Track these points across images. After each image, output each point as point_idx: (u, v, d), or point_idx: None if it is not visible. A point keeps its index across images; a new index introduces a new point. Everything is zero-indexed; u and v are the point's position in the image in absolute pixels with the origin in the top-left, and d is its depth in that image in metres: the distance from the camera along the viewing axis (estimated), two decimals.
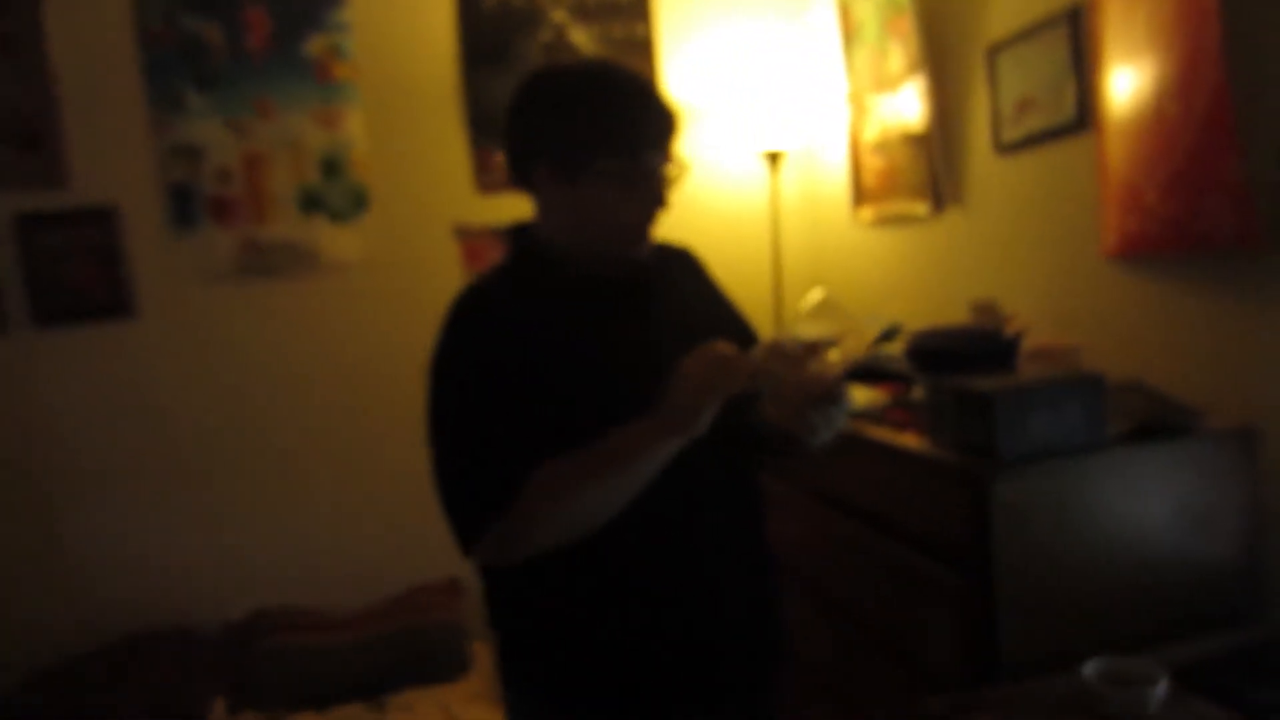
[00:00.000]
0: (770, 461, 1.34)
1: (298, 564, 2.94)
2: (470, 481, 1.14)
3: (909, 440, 1.67)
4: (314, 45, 2.87)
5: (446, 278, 3.01)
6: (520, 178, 1.26)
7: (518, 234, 1.30)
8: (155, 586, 2.83)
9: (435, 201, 3.01)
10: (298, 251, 2.91)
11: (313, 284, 2.94)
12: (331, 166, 2.91)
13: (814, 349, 1.12)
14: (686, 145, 1.28)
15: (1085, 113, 1.90)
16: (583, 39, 3.07)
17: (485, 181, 3.05)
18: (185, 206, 2.82)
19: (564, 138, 1.19)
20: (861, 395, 1.94)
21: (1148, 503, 1.45)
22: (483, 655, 2.72)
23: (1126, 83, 1.73)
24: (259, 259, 2.88)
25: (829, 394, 1.14)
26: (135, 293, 2.80)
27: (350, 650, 2.66)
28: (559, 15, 3.05)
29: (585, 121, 1.18)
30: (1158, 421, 1.50)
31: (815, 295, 1.22)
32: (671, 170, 1.22)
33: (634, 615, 1.19)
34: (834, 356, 1.14)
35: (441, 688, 2.60)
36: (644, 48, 3.10)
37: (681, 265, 1.39)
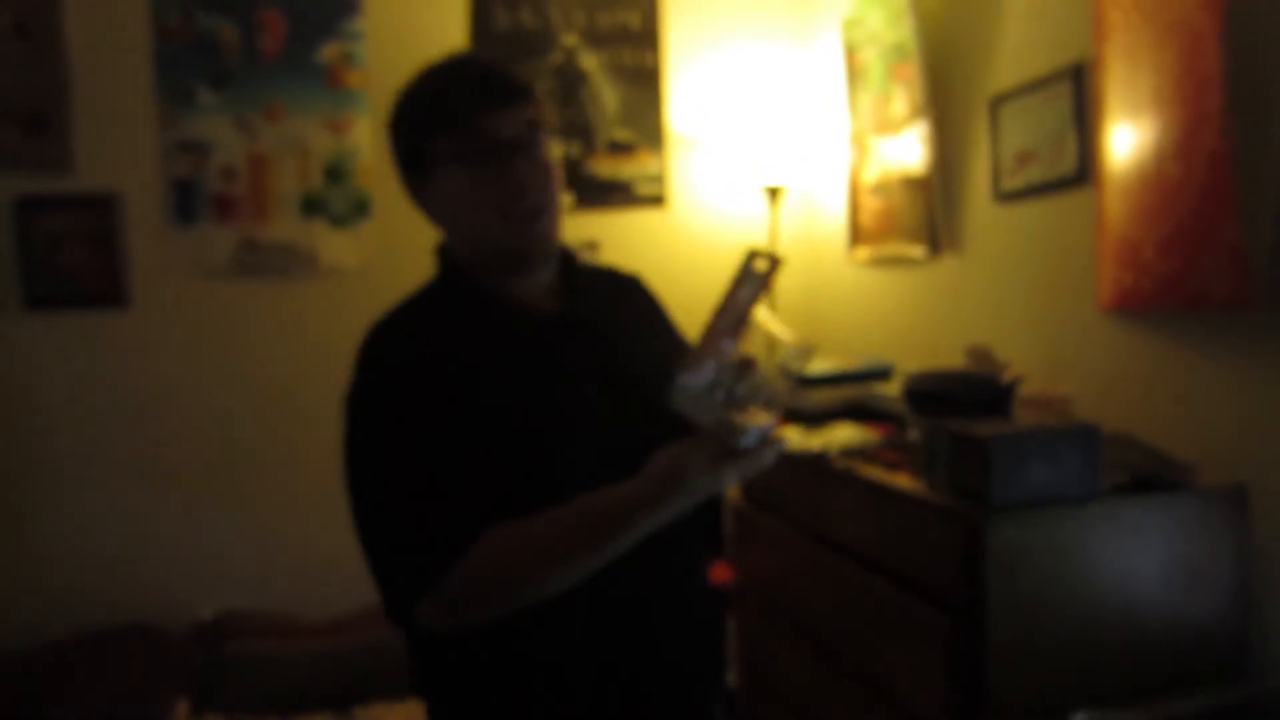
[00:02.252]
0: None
1: (271, 568, 2.91)
2: (405, 541, 1.02)
3: (901, 480, 1.68)
4: (327, 52, 2.89)
5: None
6: (413, 202, 1.17)
7: (439, 255, 1.19)
8: (124, 582, 2.80)
9: None
10: (296, 253, 2.91)
11: (308, 287, 2.94)
12: (336, 172, 2.92)
13: (749, 365, 0.94)
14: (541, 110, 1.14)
15: (1085, 167, 1.94)
16: (592, 64, 3.11)
17: None
18: (187, 201, 2.82)
19: (399, 135, 1.13)
20: (854, 433, 1.95)
21: (1139, 556, 1.47)
22: None
23: (1127, 140, 1.77)
24: (257, 258, 2.88)
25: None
26: (130, 283, 2.80)
27: (320, 658, 2.63)
28: (570, 39, 3.09)
29: (408, 109, 1.12)
30: (1151, 475, 1.52)
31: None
32: (528, 133, 1.08)
33: (577, 684, 1.08)
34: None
35: (410, 702, 2.57)
36: (652, 76, 3.14)
37: (625, 294, 1.29)
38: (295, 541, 2.93)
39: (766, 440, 0.94)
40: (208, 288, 2.86)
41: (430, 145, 1.09)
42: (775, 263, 0.93)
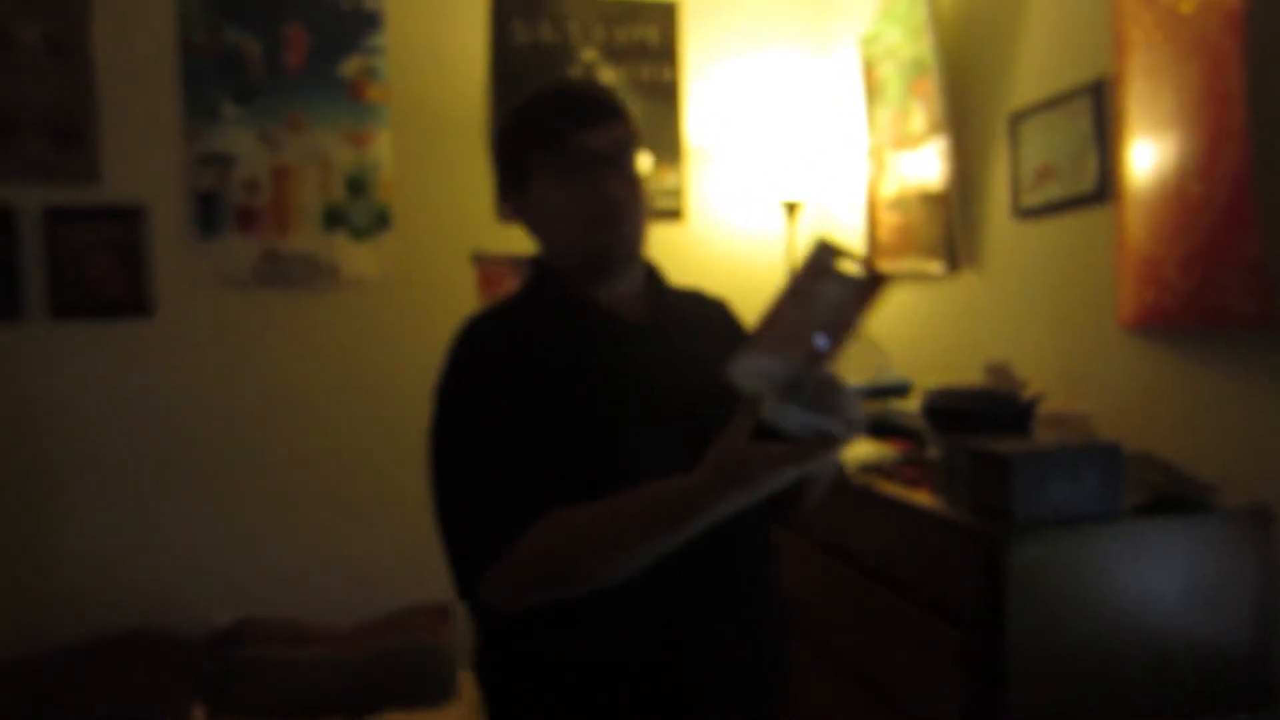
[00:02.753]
0: (788, 505, 1.28)
1: (288, 575, 2.92)
2: (475, 511, 1.09)
3: (921, 497, 1.68)
4: (349, 66, 2.92)
5: (461, 302, 3.04)
6: (509, 216, 1.26)
7: (534, 264, 1.29)
8: (142, 587, 2.81)
9: (456, 227, 3.04)
10: (317, 265, 2.93)
11: (329, 298, 2.96)
12: (357, 185, 2.95)
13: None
14: (633, 125, 1.21)
15: (1106, 184, 1.94)
16: (611, 78, 3.12)
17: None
18: (211, 212, 2.85)
19: (504, 153, 1.23)
20: (872, 449, 1.95)
21: (1160, 577, 1.46)
22: (467, 684, 2.70)
23: (1148, 157, 1.77)
24: (279, 269, 2.91)
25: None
26: (154, 292, 2.82)
27: (334, 666, 2.64)
28: (589, 54, 3.11)
29: (512, 128, 1.22)
30: (1173, 495, 1.51)
31: None
32: (620, 153, 1.17)
33: (638, 679, 1.12)
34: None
35: (423, 713, 2.58)
36: (670, 91, 3.15)
37: (709, 313, 1.36)
38: (313, 550, 2.95)
39: (825, 441, 0.91)
40: (230, 298, 2.89)
41: (528, 160, 1.18)
42: (878, 278, 0.90)
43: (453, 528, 1.12)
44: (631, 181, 1.19)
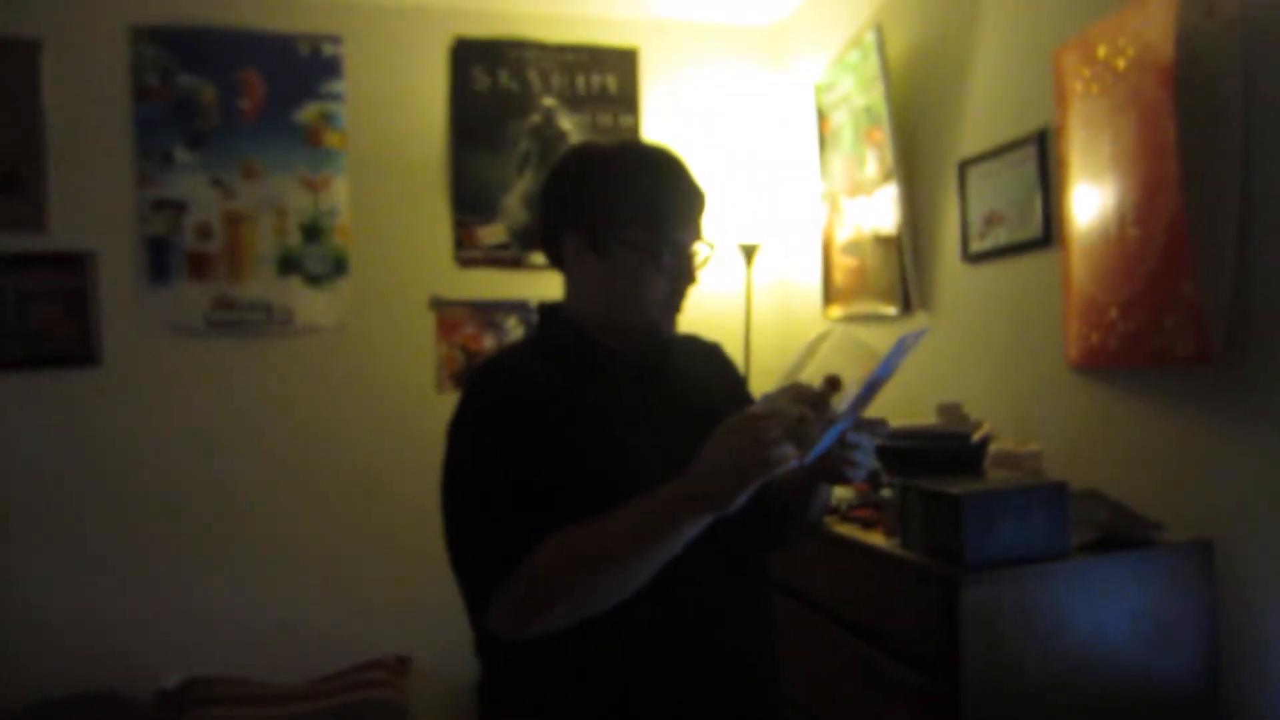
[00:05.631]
0: (784, 534, 1.33)
1: (240, 632, 2.85)
2: (481, 542, 1.11)
3: (875, 538, 1.69)
4: (307, 113, 2.93)
5: (420, 348, 3.03)
6: (551, 251, 1.28)
7: (546, 310, 1.31)
8: (89, 648, 2.72)
9: (414, 273, 3.04)
10: (272, 312, 2.91)
11: (285, 345, 2.93)
12: (313, 231, 2.94)
13: (834, 383, 1.07)
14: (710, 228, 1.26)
15: (1051, 230, 1.99)
16: (570, 125, 3.16)
17: (465, 257, 3.08)
18: (162, 259, 2.82)
19: (594, 209, 1.21)
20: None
21: (1109, 613, 1.48)
22: None
23: (1090, 205, 1.82)
24: (232, 317, 2.87)
25: (860, 422, 1.11)
26: (101, 341, 2.77)
27: None
28: (549, 101, 3.15)
29: (618, 192, 1.21)
30: (1120, 532, 1.54)
31: (828, 333, 1.22)
32: (699, 250, 1.25)
33: (642, 710, 1.14)
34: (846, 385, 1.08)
35: None
36: (629, 137, 3.19)
37: (707, 356, 1.41)
38: (265, 605, 2.88)
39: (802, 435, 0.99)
40: (181, 346, 2.84)
41: (620, 229, 1.20)
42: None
43: (462, 557, 1.15)
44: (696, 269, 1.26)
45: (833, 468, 1.13)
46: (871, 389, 1.08)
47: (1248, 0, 1.53)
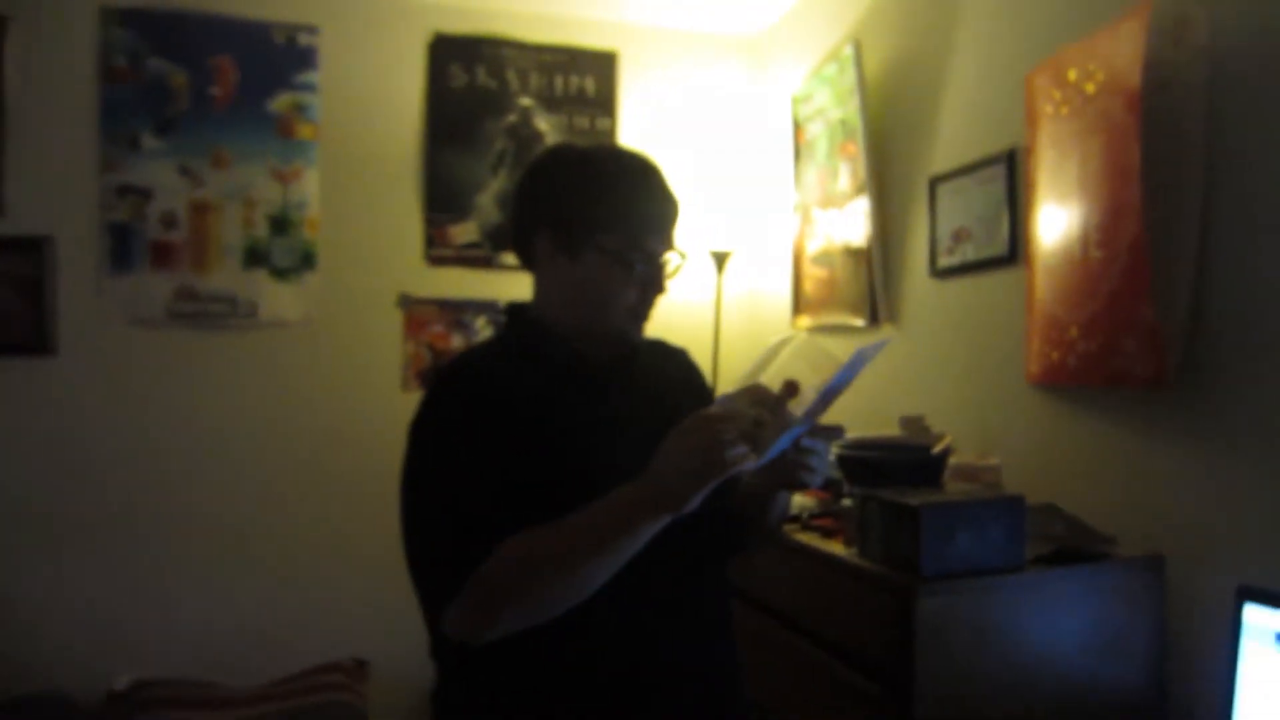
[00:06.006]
0: (743, 539, 1.33)
1: (195, 633, 2.79)
2: (440, 545, 1.10)
3: (835, 547, 1.70)
4: (279, 102, 2.89)
5: (387, 345, 3.01)
6: (522, 251, 1.28)
7: (514, 310, 1.31)
8: (38, 648, 2.65)
9: (383, 268, 3.01)
10: (236, 304, 2.86)
11: (248, 338, 2.89)
12: (281, 223, 2.90)
13: (793, 388, 1.07)
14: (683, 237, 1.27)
15: (1017, 248, 2.02)
16: (547, 126, 3.16)
17: (435, 255, 3.07)
18: (124, 247, 2.77)
19: (569, 210, 1.21)
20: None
21: (1062, 624, 1.50)
22: None
23: (1055, 225, 1.85)
24: (195, 308, 2.83)
25: (817, 428, 1.12)
26: (58, 330, 2.70)
27: None
28: (526, 101, 3.14)
29: (591, 196, 1.21)
30: (1074, 546, 1.56)
31: (791, 338, 1.23)
32: (671, 258, 1.25)
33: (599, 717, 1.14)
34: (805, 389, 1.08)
35: None
36: (606, 140, 3.19)
37: (673, 361, 1.41)
38: (223, 607, 2.83)
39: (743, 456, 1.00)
40: (141, 337, 2.79)
41: (592, 233, 1.19)
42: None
43: (419, 559, 1.13)
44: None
45: (789, 473, 1.15)
46: (828, 397, 1.09)
47: (1216, 31, 1.56)
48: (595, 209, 1.20)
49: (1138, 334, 1.62)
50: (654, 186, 1.23)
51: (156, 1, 2.79)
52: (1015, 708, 1.46)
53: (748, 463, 0.99)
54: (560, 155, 1.27)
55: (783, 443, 1.06)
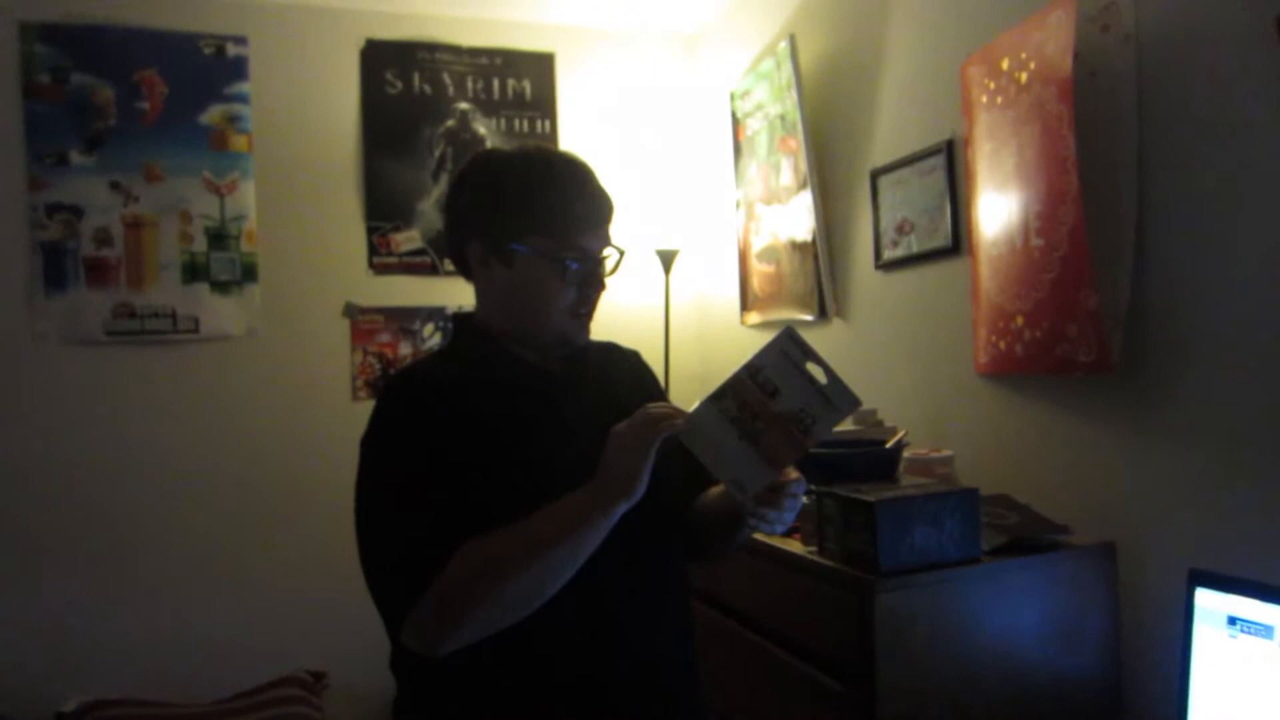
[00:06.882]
0: (702, 551, 1.32)
1: (146, 651, 2.73)
2: (396, 555, 1.09)
3: (794, 545, 1.70)
4: (211, 115, 2.83)
5: (334, 356, 2.96)
6: (458, 261, 1.27)
7: (459, 320, 1.30)
8: None
9: (326, 278, 2.96)
10: (176, 320, 2.80)
11: (190, 354, 2.83)
12: (220, 237, 2.84)
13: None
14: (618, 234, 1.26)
15: (960, 238, 2.04)
16: (486, 130, 3.12)
17: (380, 263, 3.02)
18: (57, 266, 2.69)
19: (495, 217, 1.21)
20: None
21: (1019, 614, 1.52)
22: None
23: (996, 214, 1.87)
24: (133, 325, 2.76)
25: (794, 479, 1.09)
26: None
27: None
28: (464, 105, 3.10)
29: (515, 200, 1.20)
30: (1028, 536, 1.58)
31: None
32: (608, 256, 1.25)
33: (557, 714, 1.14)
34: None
35: None
36: (546, 142, 3.16)
37: (625, 364, 1.40)
38: (175, 624, 2.78)
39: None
40: (79, 356, 2.72)
41: (527, 238, 1.19)
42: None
43: (376, 571, 1.13)
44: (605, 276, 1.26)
45: (759, 513, 1.09)
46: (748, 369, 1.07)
47: (1141, 16, 1.58)
48: (521, 212, 1.20)
49: (1081, 321, 1.64)
50: (581, 184, 1.22)
51: (77, 16, 2.70)
52: (975, 699, 1.48)
53: (678, 421, 1.02)
54: (482, 163, 1.26)
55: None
